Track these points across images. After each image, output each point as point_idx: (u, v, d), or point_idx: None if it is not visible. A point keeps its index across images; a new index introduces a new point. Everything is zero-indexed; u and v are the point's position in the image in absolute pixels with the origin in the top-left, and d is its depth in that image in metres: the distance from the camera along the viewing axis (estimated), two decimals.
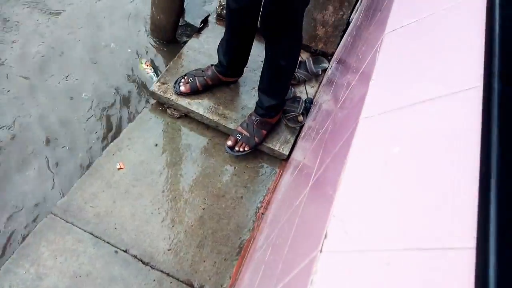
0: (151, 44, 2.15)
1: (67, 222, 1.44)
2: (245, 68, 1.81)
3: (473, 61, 0.51)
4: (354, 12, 1.98)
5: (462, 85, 0.49)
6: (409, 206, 0.43)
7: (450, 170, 0.42)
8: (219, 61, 1.73)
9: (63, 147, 1.71)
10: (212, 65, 1.79)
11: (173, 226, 1.51)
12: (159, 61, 2.09)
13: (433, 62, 0.58)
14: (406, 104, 0.53)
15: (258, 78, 1.92)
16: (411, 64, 0.61)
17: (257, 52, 1.99)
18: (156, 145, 1.70)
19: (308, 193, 0.82)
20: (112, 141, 1.70)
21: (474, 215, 0.36)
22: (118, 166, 1.61)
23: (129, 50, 2.10)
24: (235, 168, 1.71)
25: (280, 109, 1.72)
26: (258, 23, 1.38)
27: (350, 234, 0.46)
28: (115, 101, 1.90)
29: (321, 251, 0.47)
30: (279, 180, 1.70)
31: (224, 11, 2.07)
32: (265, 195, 1.66)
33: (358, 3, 2.00)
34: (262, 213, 1.61)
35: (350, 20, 2.00)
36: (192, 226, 1.52)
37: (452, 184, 0.41)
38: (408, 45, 0.66)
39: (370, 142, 0.55)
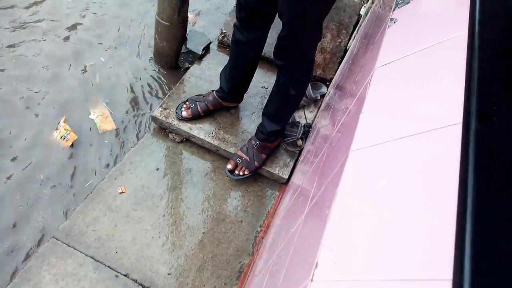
0: (154, 70, 2.21)
1: (68, 246, 1.46)
2: (245, 94, 1.86)
3: (454, 98, 0.54)
4: (351, 39, 2.04)
5: (443, 121, 0.52)
6: (394, 239, 0.46)
7: (431, 204, 0.45)
8: (221, 87, 1.78)
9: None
10: (213, 90, 1.83)
11: (173, 250, 1.52)
12: (161, 86, 2.14)
13: (418, 98, 0.61)
14: (392, 138, 0.56)
15: (258, 104, 1.98)
16: (398, 99, 0.65)
17: (257, 78, 2.04)
18: (158, 169, 1.73)
19: (303, 221, 0.84)
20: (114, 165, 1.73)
21: (451, 249, 0.39)
22: (120, 190, 1.63)
23: (132, 76, 2.15)
24: (235, 192, 1.73)
25: (280, 134, 1.75)
26: (272, 53, 1.43)
27: (339, 264, 0.49)
28: (118, 125, 1.94)
29: (312, 280, 0.49)
30: (278, 204, 1.72)
31: (225, 39, 2.14)
32: (264, 219, 1.67)
33: (355, 31, 2.06)
34: (262, 238, 1.62)
35: (347, 47, 2.06)
36: (193, 250, 1.53)
37: (432, 218, 0.43)
38: (395, 81, 0.69)
39: (360, 174, 0.57)
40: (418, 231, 0.44)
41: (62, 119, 1.87)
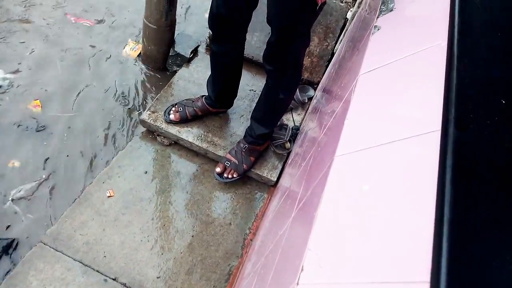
0: (142, 73, 2.20)
1: (56, 250, 1.45)
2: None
3: (434, 105, 0.56)
4: (338, 43, 2.07)
5: (423, 128, 0.54)
6: (376, 243, 0.47)
7: (411, 209, 0.47)
8: (208, 94, 1.79)
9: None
10: (202, 96, 1.84)
11: (162, 254, 1.52)
12: (150, 90, 2.14)
13: (399, 105, 0.63)
14: (375, 144, 0.58)
15: (246, 107, 1.99)
16: (381, 106, 0.67)
17: (246, 81, 2.05)
18: (146, 172, 1.73)
19: (290, 224, 0.85)
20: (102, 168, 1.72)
21: (429, 252, 0.40)
22: (108, 194, 1.63)
23: (120, 78, 2.15)
24: (224, 194, 1.74)
25: (268, 137, 1.77)
26: (262, 58, 1.44)
27: (324, 267, 0.50)
28: (106, 127, 1.93)
29: (297, 283, 0.51)
30: (267, 206, 1.73)
31: None
32: (253, 222, 1.69)
33: (342, 35, 2.08)
34: (251, 240, 1.63)
35: (334, 51, 2.09)
36: (181, 253, 1.54)
37: (412, 223, 0.45)
38: (379, 87, 0.71)
39: (344, 179, 0.59)
40: (398, 235, 0.45)
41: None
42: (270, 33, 1.32)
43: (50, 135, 1.82)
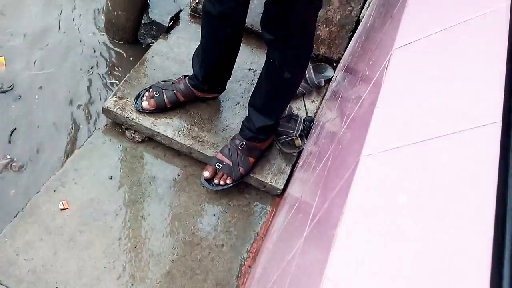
0: (105, 46, 2.20)
1: None
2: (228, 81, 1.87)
3: (492, 91, 0.56)
4: (365, 8, 2.07)
5: (478, 120, 0.54)
6: (417, 272, 0.47)
7: (462, 228, 0.47)
8: (194, 73, 1.79)
9: None
10: (185, 76, 1.84)
11: (132, 285, 1.52)
12: (116, 68, 2.14)
13: (446, 89, 0.63)
14: (414, 140, 0.58)
15: (243, 91, 1.99)
16: (422, 90, 0.66)
17: (243, 58, 2.05)
18: (111, 177, 1.73)
19: (302, 246, 0.86)
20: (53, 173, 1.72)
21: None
22: (61, 206, 1.63)
23: (76, 54, 2.15)
24: (214, 207, 1.74)
25: (273, 131, 1.77)
26: (260, 26, 1.43)
27: None
28: (54, 119, 1.93)
29: None
30: (271, 223, 1.73)
31: (200, 6, 2.15)
32: (252, 243, 1.69)
33: None
34: (249, 267, 1.64)
35: (360, 18, 2.09)
36: (158, 284, 1.54)
37: (465, 247, 0.45)
38: (419, 66, 0.71)
39: (372, 187, 0.59)
40: (447, 264, 0.45)
41: None
42: None
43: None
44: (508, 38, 0.60)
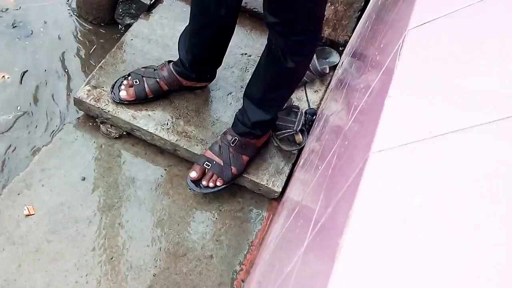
0: (77, 28, 2.19)
1: None
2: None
3: None
4: None
5: (506, 109, 0.54)
6: (435, 283, 0.47)
7: (488, 233, 0.46)
8: (180, 58, 1.78)
9: None
10: (169, 61, 1.84)
11: None
12: (89, 53, 2.13)
13: (469, 75, 0.62)
14: (431, 134, 0.58)
15: (236, 79, 1.99)
16: (441, 77, 0.66)
17: (236, 41, 2.04)
18: (84, 179, 1.72)
19: (302, 256, 0.85)
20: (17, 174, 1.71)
21: None
22: (26, 212, 1.62)
23: (46, 36, 2.14)
24: (202, 212, 1.74)
25: (270, 126, 1.77)
26: (262, 5, 1.42)
27: None
28: (21, 109, 1.92)
29: None
30: (267, 230, 1.73)
31: None
32: (246, 253, 1.69)
33: None
34: (242, 281, 1.63)
35: None
36: None
37: (488, 254, 0.45)
38: (436, 50, 0.71)
39: (384, 187, 0.59)
40: (469, 277, 0.45)
41: None
42: None
43: None
44: None
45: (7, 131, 1.87)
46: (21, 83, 1.99)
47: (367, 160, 0.64)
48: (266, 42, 1.53)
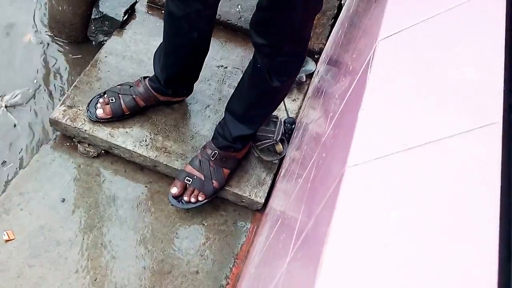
0: (49, 48, 2.17)
1: None
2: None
3: (490, 86, 0.57)
4: None
5: (476, 120, 0.55)
6: None
7: (464, 248, 0.47)
8: (155, 75, 1.78)
9: None
10: (144, 77, 1.83)
11: None
12: (63, 73, 2.11)
13: (439, 87, 0.63)
14: (404, 147, 0.58)
15: (214, 91, 1.99)
16: (411, 89, 0.67)
17: (212, 53, 2.03)
18: (63, 200, 1.71)
19: (286, 269, 0.85)
20: None
21: None
22: (5, 237, 1.60)
23: (18, 55, 2.12)
24: (185, 228, 1.73)
25: (250, 139, 1.77)
26: (249, 25, 1.42)
27: None
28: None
29: None
30: (252, 242, 1.73)
31: None
32: (232, 266, 1.69)
33: None
34: None
35: (342, 2, 2.10)
36: None
37: (465, 268, 0.45)
38: (407, 60, 0.71)
39: (361, 202, 0.59)
40: (447, 285, 0.45)
41: None
42: None
43: None
44: (506, 23, 0.60)
45: None
46: None
47: (343, 175, 0.64)
48: (252, 60, 1.53)
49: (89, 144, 1.81)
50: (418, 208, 0.53)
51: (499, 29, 0.61)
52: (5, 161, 1.85)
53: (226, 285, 1.65)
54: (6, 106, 1.97)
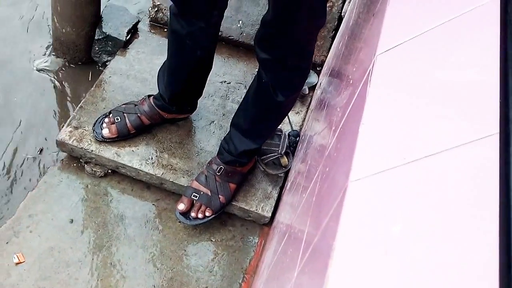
0: (54, 70, 2.19)
1: None
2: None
3: (487, 99, 0.57)
4: (347, 2, 2.10)
5: (474, 132, 0.55)
6: None
7: (465, 259, 0.47)
8: (160, 93, 1.79)
9: None
10: (149, 96, 1.85)
11: None
12: (68, 94, 2.13)
13: (437, 100, 0.64)
14: (404, 161, 0.59)
15: (218, 107, 2.00)
16: (409, 103, 0.67)
17: (215, 69, 2.05)
18: (72, 221, 1.72)
19: (295, 282, 0.85)
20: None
21: None
22: (15, 260, 1.61)
23: (22, 77, 2.14)
24: (194, 245, 1.74)
25: (256, 154, 1.78)
26: (254, 41, 1.44)
27: None
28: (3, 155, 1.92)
29: None
30: (260, 256, 1.73)
31: (160, 14, 2.17)
32: (241, 281, 1.68)
33: None
34: None
35: (342, 14, 2.11)
36: None
37: (469, 276, 0.46)
38: (405, 74, 0.72)
39: (363, 216, 0.60)
40: None
41: None
42: (267, 8, 1.33)
43: None
44: (500, 37, 0.61)
45: None
46: None
47: (346, 189, 0.65)
48: (256, 75, 1.55)
49: (96, 164, 1.82)
50: (420, 221, 0.54)
51: (495, 41, 0.62)
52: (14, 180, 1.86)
53: None
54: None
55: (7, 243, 1.64)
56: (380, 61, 0.78)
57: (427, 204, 0.55)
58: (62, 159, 1.87)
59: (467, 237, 0.50)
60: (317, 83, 2.08)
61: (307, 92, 2.05)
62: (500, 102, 0.55)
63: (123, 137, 1.82)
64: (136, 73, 2.04)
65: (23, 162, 1.92)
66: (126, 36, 2.13)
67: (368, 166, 0.64)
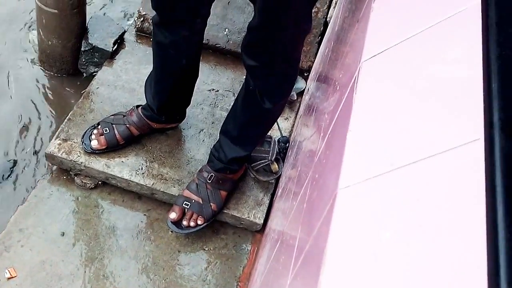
0: (41, 82, 2.19)
1: None
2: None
3: (471, 104, 0.58)
4: (332, 7, 2.11)
5: (458, 138, 0.56)
6: None
7: (454, 263, 0.48)
8: (148, 103, 1.79)
9: None
10: (137, 106, 1.85)
11: None
12: (56, 106, 2.13)
13: (421, 106, 0.65)
14: (391, 167, 0.59)
15: (206, 115, 2.00)
16: (395, 108, 0.68)
17: (202, 78, 2.06)
18: (63, 234, 1.71)
19: None
20: None
21: None
22: (7, 275, 1.60)
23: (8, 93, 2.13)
24: (186, 254, 1.73)
25: (246, 161, 1.78)
26: (240, 47, 1.45)
27: None
28: None
29: None
30: (253, 264, 1.73)
31: (146, 24, 2.17)
32: None
33: None
34: None
35: (328, 19, 2.13)
36: None
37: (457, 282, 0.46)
38: (390, 80, 0.73)
39: (353, 224, 0.60)
40: None
41: None
42: (253, 14, 1.33)
43: None
44: (482, 42, 0.62)
45: None
46: None
47: (336, 197, 0.65)
48: (244, 82, 1.55)
49: (85, 176, 1.82)
50: (409, 228, 0.55)
51: (479, 47, 0.62)
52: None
53: None
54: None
55: None
56: (365, 68, 0.78)
57: (415, 210, 0.55)
58: (52, 172, 1.86)
59: (455, 242, 0.50)
60: (305, 88, 2.09)
61: (295, 98, 2.06)
62: (483, 107, 0.55)
63: (112, 148, 1.81)
64: (124, 83, 2.04)
65: (9, 175, 1.91)
66: (113, 47, 2.12)
67: (356, 173, 0.65)
